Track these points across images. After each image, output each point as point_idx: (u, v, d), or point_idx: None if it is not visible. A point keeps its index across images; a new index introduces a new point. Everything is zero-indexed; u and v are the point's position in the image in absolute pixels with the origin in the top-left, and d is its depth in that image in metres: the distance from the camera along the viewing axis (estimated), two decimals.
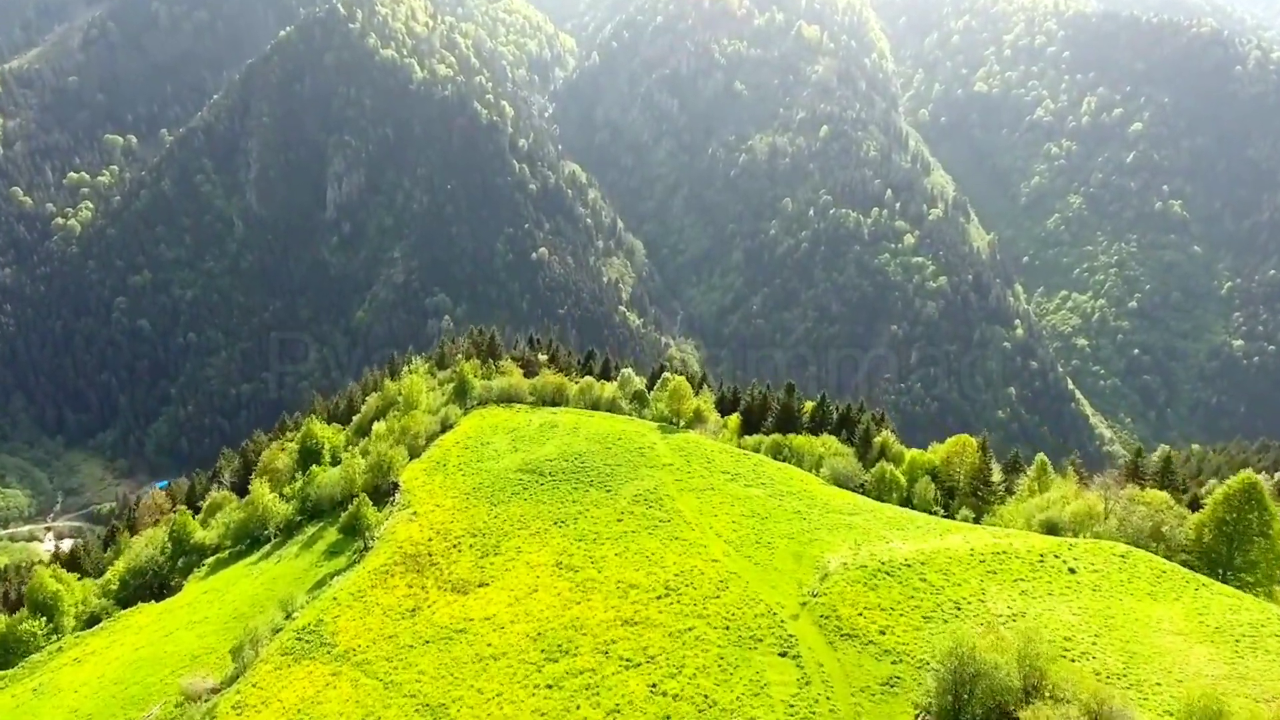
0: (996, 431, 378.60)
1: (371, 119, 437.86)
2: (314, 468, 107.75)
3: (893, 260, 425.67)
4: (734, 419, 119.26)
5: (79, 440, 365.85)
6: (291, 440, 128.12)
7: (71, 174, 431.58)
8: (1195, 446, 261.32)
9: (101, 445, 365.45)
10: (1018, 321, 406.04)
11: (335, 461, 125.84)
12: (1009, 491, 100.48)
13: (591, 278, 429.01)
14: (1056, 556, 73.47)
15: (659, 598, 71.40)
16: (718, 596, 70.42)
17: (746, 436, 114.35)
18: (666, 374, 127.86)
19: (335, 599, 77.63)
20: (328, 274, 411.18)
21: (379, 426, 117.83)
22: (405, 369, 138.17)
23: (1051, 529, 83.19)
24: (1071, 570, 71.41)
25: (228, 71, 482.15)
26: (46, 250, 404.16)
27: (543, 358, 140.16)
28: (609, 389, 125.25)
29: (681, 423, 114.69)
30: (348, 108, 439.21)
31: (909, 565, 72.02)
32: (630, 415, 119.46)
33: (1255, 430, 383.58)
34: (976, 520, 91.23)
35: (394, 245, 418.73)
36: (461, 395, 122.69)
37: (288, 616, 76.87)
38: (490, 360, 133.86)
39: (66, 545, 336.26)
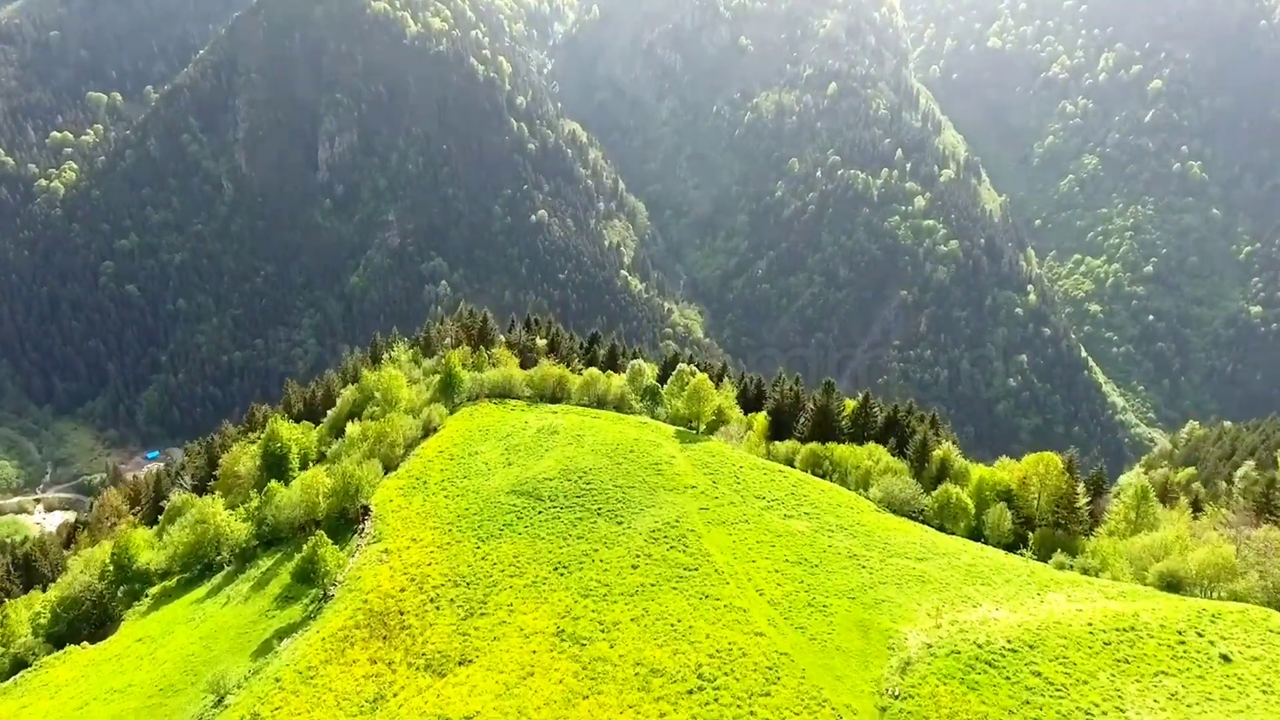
0: (1007, 400, 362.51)
1: (364, 76, 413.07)
2: (272, 484, 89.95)
3: (902, 223, 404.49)
4: (760, 419, 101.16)
5: (68, 409, 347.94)
6: (256, 441, 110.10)
7: (54, 133, 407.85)
8: (1227, 424, 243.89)
9: (91, 414, 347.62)
10: (1030, 287, 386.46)
11: (306, 465, 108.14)
12: (1094, 518, 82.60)
13: (592, 241, 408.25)
14: (1199, 634, 55.79)
15: (690, 693, 53.72)
16: (767, 694, 52.77)
17: (776, 442, 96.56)
18: (682, 365, 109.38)
19: (278, 681, 60.18)
20: (320, 238, 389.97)
21: (353, 429, 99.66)
22: (387, 356, 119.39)
23: (1173, 584, 65.42)
24: (1225, 658, 53.85)
25: (214, 26, 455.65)
26: (30, 213, 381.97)
27: (541, 343, 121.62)
28: (616, 382, 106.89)
29: (702, 426, 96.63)
30: (339, 64, 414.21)
31: (1013, 649, 54.35)
32: (641, 415, 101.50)
33: (1271, 401, 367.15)
34: (1068, 555, 73.47)
35: (388, 208, 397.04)
36: (448, 391, 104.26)
37: (218, 702, 59.57)
38: (482, 347, 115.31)
39: (56, 518, 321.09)
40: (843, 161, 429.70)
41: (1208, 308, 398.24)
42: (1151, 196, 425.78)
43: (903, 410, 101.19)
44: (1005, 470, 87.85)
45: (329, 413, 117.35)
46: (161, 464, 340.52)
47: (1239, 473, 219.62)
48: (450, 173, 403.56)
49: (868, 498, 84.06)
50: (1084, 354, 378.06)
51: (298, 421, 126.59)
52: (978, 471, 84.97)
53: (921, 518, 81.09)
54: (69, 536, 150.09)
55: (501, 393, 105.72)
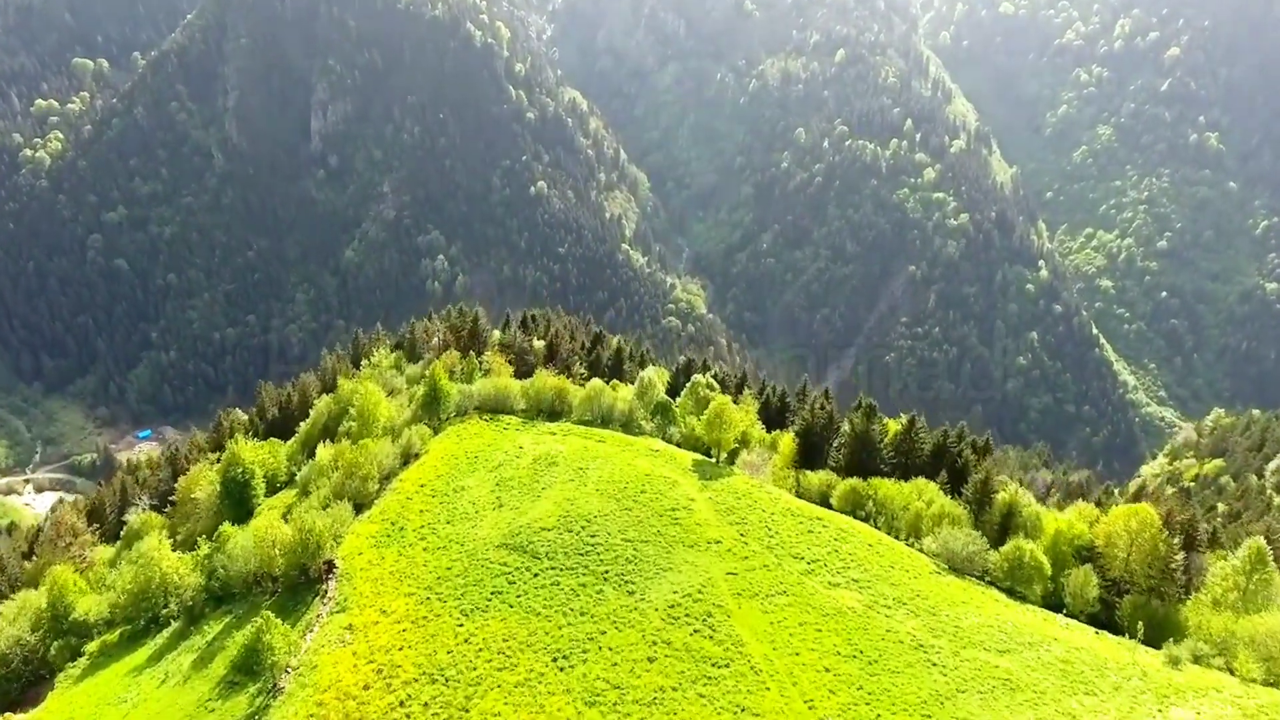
0: (1016, 379, 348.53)
1: (357, 42, 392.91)
2: (225, 528, 76.14)
3: (911, 196, 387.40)
4: (787, 443, 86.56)
5: (57, 387, 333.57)
6: (215, 464, 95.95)
7: (39, 101, 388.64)
8: (1255, 412, 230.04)
9: (81, 391, 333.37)
10: (1042, 263, 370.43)
11: (274, 488, 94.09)
12: (1187, 577, 68.46)
13: (593, 214, 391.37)
14: None
15: None
16: None
17: (808, 472, 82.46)
18: (697, 377, 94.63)
19: None
20: (314, 210, 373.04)
21: (323, 454, 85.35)
22: (367, 362, 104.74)
23: None
24: None
25: None
26: (15, 184, 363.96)
27: (538, 344, 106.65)
28: (623, 395, 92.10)
29: (722, 456, 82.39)
30: (331, 29, 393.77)
31: None
32: (652, 437, 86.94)
33: None
34: (1174, 635, 59.69)
35: (383, 179, 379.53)
36: (432, 406, 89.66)
37: None
38: (472, 351, 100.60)
39: (47, 499, 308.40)
40: (850, 132, 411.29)
41: (1222, 284, 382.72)
42: (1167, 169, 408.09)
43: (952, 435, 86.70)
44: (1076, 514, 73.61)
45: (302, 425, 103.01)
46: (155, 444, 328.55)
47: (1271, 466, 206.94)
48: (447, 143, 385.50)
49: (921, 550, 70.14)
50: (1095, 331, 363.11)
51: (270, 427, 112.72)
52: (1052, 522, 70.72)
53: (988, 578, 67.28)
54: (30, 546, 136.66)
55: (494, 406, 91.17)
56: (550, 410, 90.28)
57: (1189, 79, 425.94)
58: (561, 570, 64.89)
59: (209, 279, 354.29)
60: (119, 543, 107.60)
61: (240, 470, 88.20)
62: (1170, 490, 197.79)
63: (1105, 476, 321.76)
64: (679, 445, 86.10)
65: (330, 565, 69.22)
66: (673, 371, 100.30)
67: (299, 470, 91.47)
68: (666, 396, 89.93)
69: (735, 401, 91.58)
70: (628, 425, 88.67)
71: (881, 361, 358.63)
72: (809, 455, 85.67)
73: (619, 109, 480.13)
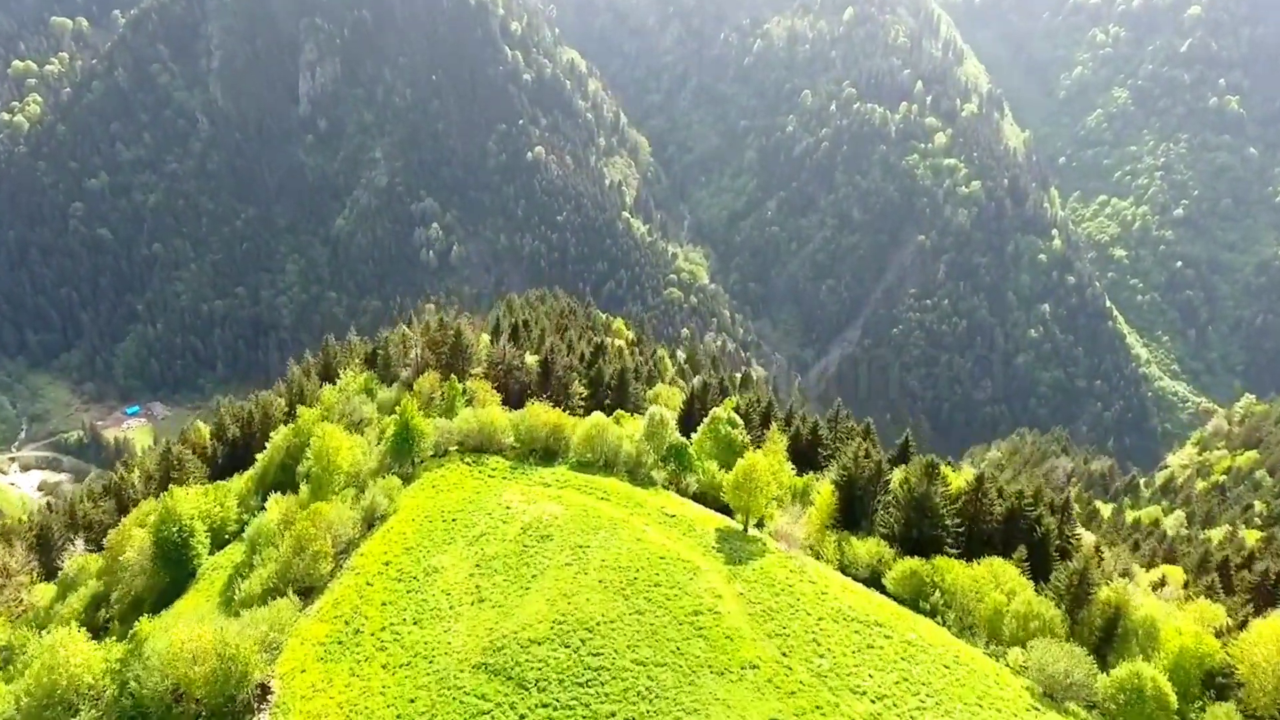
0: (1027, 352, 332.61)
1: None
2: (141, 625, 60.61)
3: (922, 162, 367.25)
4: (825, 496, 70.53)
5: (42, 361, 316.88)
6: (151, 515, 79.74)
7: (16, 62, 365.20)
8: None
9: (67, 366, 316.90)
10: (1055, 232, 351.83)
11: (222, 541, 78.33)
12: None
13: (592, 180, 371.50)
14: None
15: None
16: None
17: (852, 539, 66.63)
18: (717, 412, 77.87)
19: None
20: (303, 177, 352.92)
21: (272, 510, 69.30)
22: (330, 387, 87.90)
23: None
24: None
25: None
26: None
27: (531, 360, 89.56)
28: (630, 430, 75.40)
29: (752, 524, 66.40)
30: None
31: None
32: (663, 490, 70.74)
33: None
34: None
35: (375, 144, 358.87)
36: (404, 448, 73.30)
37: None
38: (455, 372, 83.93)
39: (33, 478, 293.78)
40: (859, 94, 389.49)
41: (1239, 254, 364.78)
42: (1185, 133, 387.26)
43: (1028, 496, 70.38)
44: (1205, 620, 57.93)
45: (259, 457, 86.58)
46: (144, 420, 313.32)
47: None
48: (440, 106, 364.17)
49: (1008, 664, 54.63)
50: (1108, 304, 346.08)
51: (230, 452, 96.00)
52: (1173, 635, 55.00)
53: (1096, 710, 52.00)
54: None
55: (478, 445, 74.85)
56: (544, 449, 74.10)
57: (1210, 39, 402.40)
58: (556, 709, 49.36)
59: (196, 249, 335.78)
60: (57, 586, 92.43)
61: (177, 528, 72.25)
62: (1202, 484, 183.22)
63: (1123, 461, 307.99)
64: (696, 498, 70.22)
65: (264, 690, 53.80)
66: (686, 396, 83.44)
67: (249, 525, 75.48)
68: (680, 438, 73.26)
69: (760, 439, 75.29)
70: (635, 472, 72.38)
71: (889, 334, 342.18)
72: (850, 511, 69.94)
73: (619, 70, 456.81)
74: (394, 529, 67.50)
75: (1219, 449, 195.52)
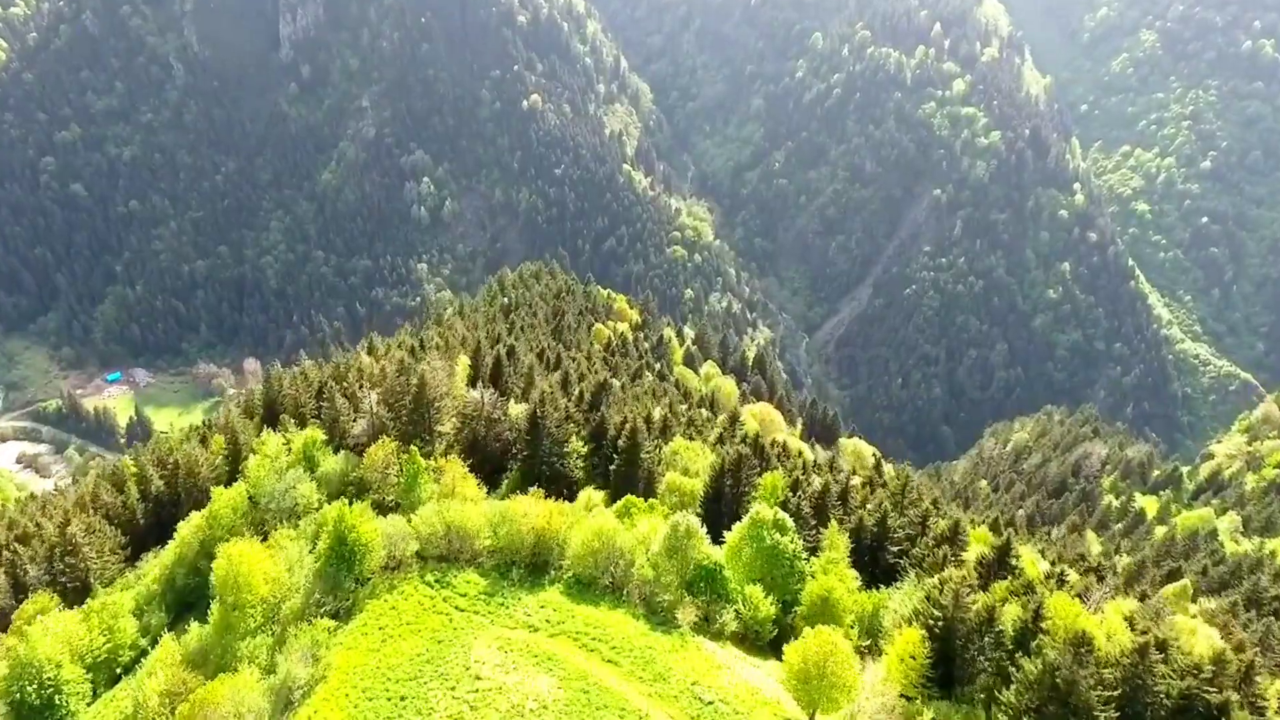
0: (1045, 314, 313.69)
1: None
2: None
3: (938, 111, 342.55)
4: (909, 644, 50.46)
5: (17, 326, 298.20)
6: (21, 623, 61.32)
7: None
8: None
9: (44, 331, 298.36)
10: (1077, 186, 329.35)
11: (115, 676, 58.89)
12: None
13: (591, 130, 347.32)
14: None
15: None
16: None
17: None
18: (759, 511, 57.90)
19: None
20: (287, 128, 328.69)
21: (149, 687, 49.86)
22: (256, 459, 67.43)
23: None
24: None
25: None
26: None
27: (516, 410, 68.98)
28: (645, 531, 55.24)
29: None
30: None
31: None
32: (692, 635, 51.02)
33: None
34: None
35: (362, 92, 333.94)
36: (342, 569, 52.62)
37: None
38: (421, 426, 64.50)
39: (11, 450, 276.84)
40: (873, 37, 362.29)
41: (1267, 209, 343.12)
42: (1215, 80, 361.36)
43: (1206, 668, 51.30)
44: None
45: (162, 554, 66.04)
46: (126, 388, 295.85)
47: None
48: (430, 51, 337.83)
49: None
50: (1130, 263, 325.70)
51: (154, 512, 76.02)
52: None
53: None
54: None
55: (444, 553, 54.93)
56: (531, 561, 53.73)
57: None
58: None
59: (175, 206, 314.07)
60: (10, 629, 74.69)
61: (36, 685, 52.44)
62: (1253, 479, 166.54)
63: (1141, 428, 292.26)
64: (734, 639, 50.29)
65: None
66: (714, 470, 63.09)
67: (142, 663, 56.25)
68: (711, 554, 53.19)
69: (816, 544, 55.20)
70: (652, 601, 52.49)
71: (901, 294, 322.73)
72: (947, 665, 50.77)
73: (618, 10, 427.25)
74: (318, 712, 48.09)
75: (1271, 437, 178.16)
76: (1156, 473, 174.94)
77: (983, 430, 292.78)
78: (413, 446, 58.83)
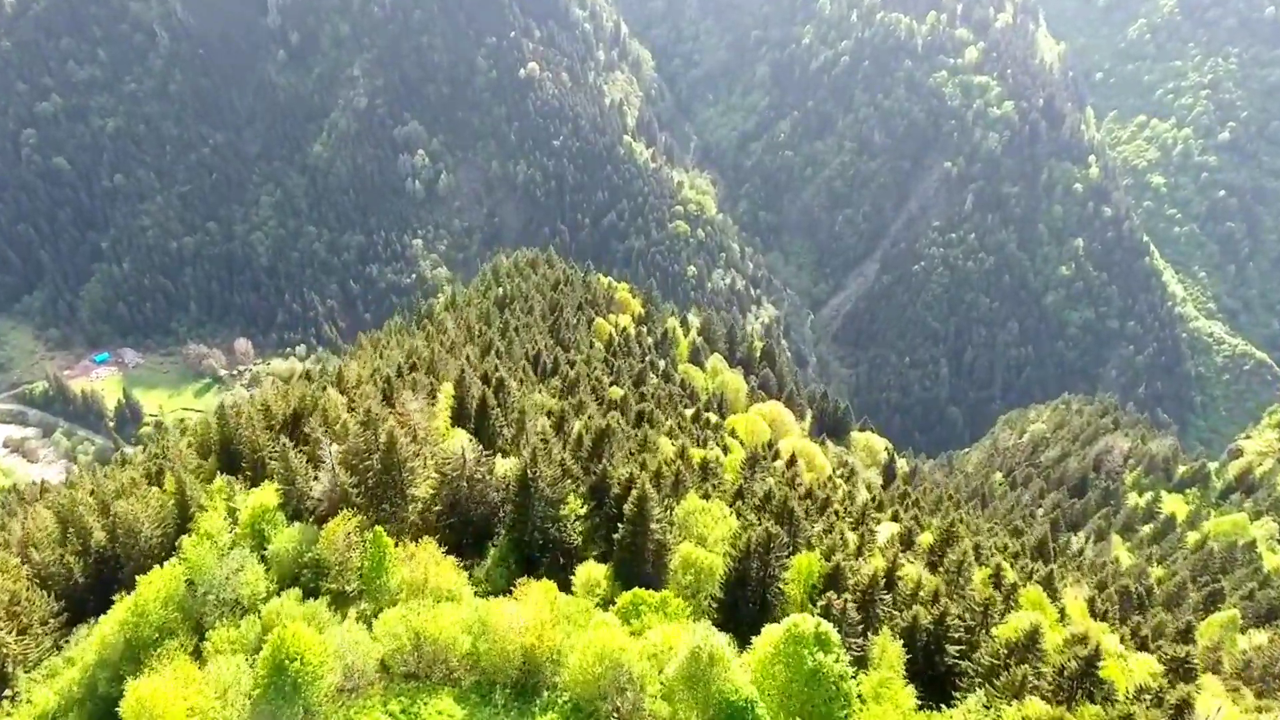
0: (1057, 291, 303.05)
1: None
2: None
3: (950, 79, 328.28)
4: None
5: (2, 306, 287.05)
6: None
7: None
8: None
9: (29, 310, 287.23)
10: (1092, 158, 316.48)
11: None
12: None
13: (590, 99, 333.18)
14: None
15: None
16: None
17: None
18: (799, 621, 45.81)
19: None
20: (275, 99, 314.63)
21: None
22: (191, 539, 55.48)
23: None
24: None
25: None
26: None
27: (505, 466, 55.86)
28: (661, 650, 42.67)
29: None
30: None
31: None
32: None
33: None
34: None
35: (353, 60, 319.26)
36: (281, 708, 40.67)
37: None
38: (393, 488, 53.35)
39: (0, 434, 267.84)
40: (882, 2, 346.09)
41: None
42: (1235, 47, 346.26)
43: None
44: None
45: (85, 644, 54.48)
46: (114, 369, 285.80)
47: None
48: (424, 17, 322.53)
49: None
50: (1145, 239, 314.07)
51: (98, 573, 65.05)
52: None
53: None
54: None
55: (413, 669, 44.16)
56: (520, 680, 43.63)
57: None
58: None
59: (161, 180, 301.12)
60: None
61: None
62: None
63: (1153, 409, 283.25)
64: None
65: None
66: (738, 550, 51.42)
67: None
68: (740, 688, 41.60)
69: (863, 652, 44.73)
70: None
71: (909, 270, 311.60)
72: None
73: None
74: None
75: None
76: (1182, 469, 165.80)
77: (990, 410, 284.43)
78: (378, 527, 48.94)
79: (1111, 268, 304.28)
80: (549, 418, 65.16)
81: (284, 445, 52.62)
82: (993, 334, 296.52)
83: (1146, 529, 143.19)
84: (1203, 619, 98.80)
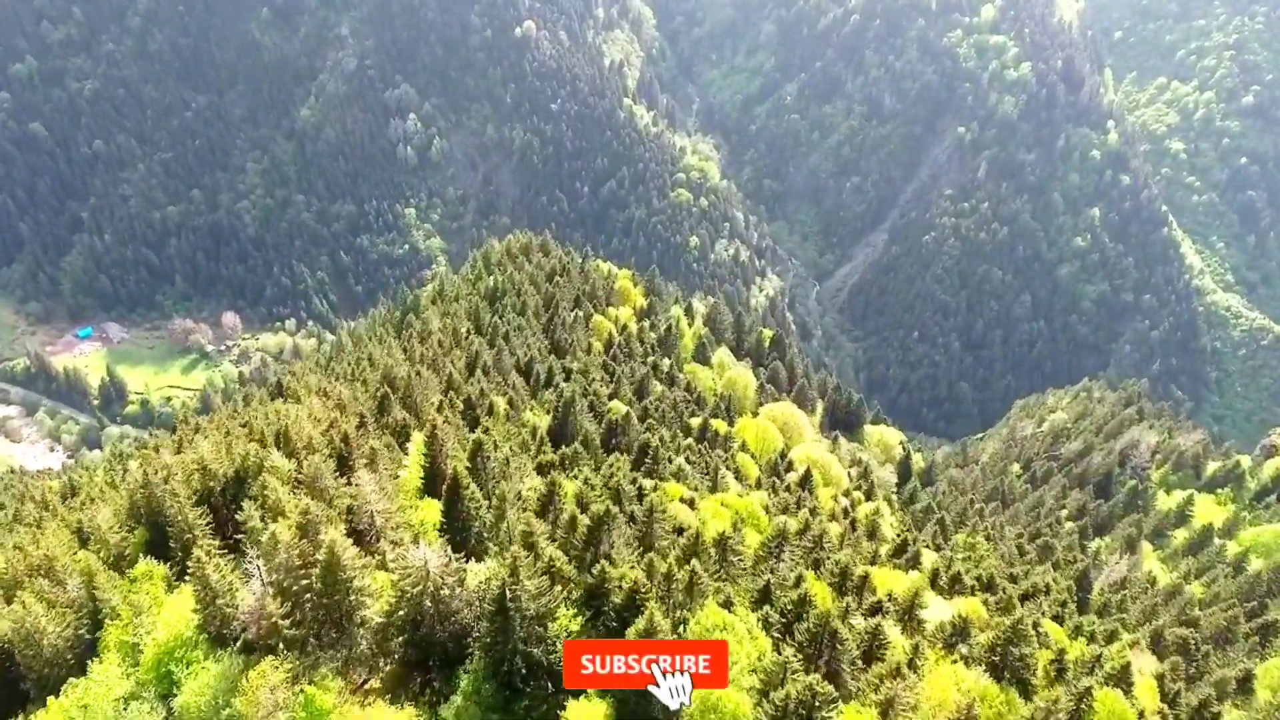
0: (1071, 263, 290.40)
1: None
2: None
3: (965, 40, 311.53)
4: None
5: None
6: None
7: None
8: None
9: (8, 284, 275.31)
10: (1111, 124, 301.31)
11: None
12: None
13: (589, 60, 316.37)
14: None
15: None
16: None
17: None
18: None
19: None
20: (260, 60, 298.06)
21: None
22: (82, 685, 43.63)
23: None
24: None
25: None
26: None
27: (478, 577, 44.02)
28: None
29: None
30: None
31: None
32: None
33: None
34: None
35: (341, 19, 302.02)
36: None
37: None
38: (338, 625, 41.11)
39: None
40: None
41: None
42: (1263, 6, 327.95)
43: None
44: None
45: None
46: (99, 344, 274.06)
47: None
48: None
49: None
50: (1164, 208, 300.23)
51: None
52: None
53: None
54: None
55: None
56: None
57: None
58: None
59: (142, 146, 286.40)
60: None
61: None
62: None
63: (1166, 385, 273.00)
64: None
65: None
66: (774, 710, 39.67)
67: None
68: None
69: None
70: None
71: (919, 241, 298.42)
72: None
73: None
74: None
75: None
76: (1213, 466, 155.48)
77: (1000, 386, 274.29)
78: (310, 689, 38.15)
79: (1128, 239, 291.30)
80: (535, 492, 54.03)
81: (200, 559, 41.57)
82: (1005, 308, 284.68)
83: (1179, 536, 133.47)
84: (1259, 661, 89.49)
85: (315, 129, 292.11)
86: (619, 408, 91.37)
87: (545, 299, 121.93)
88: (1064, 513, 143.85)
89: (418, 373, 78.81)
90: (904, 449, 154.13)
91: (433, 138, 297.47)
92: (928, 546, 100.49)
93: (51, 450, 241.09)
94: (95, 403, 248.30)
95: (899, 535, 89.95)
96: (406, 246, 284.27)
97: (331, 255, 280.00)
